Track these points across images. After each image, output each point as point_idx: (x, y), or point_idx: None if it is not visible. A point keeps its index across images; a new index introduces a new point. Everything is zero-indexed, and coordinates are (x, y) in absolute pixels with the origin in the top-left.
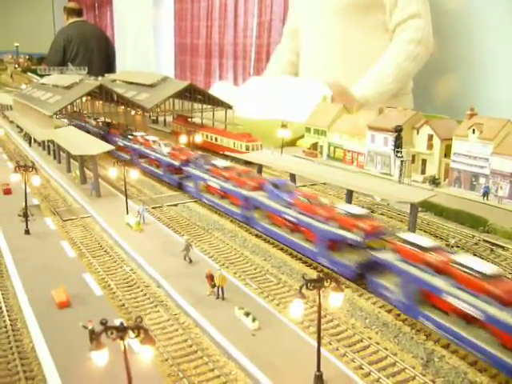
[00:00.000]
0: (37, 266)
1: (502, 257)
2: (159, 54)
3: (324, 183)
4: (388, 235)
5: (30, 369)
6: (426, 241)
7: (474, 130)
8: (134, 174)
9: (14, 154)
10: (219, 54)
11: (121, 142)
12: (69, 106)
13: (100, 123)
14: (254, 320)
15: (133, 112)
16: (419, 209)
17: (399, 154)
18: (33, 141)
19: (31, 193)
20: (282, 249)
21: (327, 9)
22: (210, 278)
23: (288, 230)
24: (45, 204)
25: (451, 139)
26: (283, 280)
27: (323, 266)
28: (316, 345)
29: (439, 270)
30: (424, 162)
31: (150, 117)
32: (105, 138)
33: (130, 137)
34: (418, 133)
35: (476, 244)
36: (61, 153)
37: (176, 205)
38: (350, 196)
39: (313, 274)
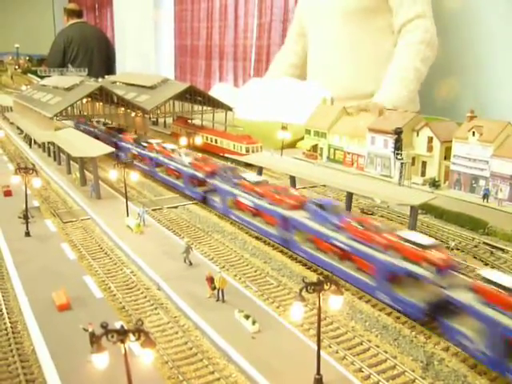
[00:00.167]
0: (37, 268)
1: (502, 259)
2: (159, 55)
3: (324, 185)
4: (460, 269)
5: (30, 371)
6: (510, 280)
7: (473, 132)
8: (134, 176)
9: (15, 155)
10: (219, 55)
11: (135, 150)
12: (69, 108)
13: (112, 128)
14: (253, 323)
15: (133, 114)
16: (419, 211)
17: (399, 156)
18: (33, 142)
19: (31, 195)
20: (281, 251)
21: (335, 12)
22: (210, 280)
23: (336, 258)
24: (45, 206)
25: (451, 141)
26: (283, 282)
27: (383, 302)
28: (316, 348)
29: None
30: (424, 164)
31: (150, 118)
32: (116, 144)
33: (144, 144)
34: (417, 135)
35: (476, 246)
36: (61, 155)
37: (176, 207)
38: (349, 198)
39: (313, 277)
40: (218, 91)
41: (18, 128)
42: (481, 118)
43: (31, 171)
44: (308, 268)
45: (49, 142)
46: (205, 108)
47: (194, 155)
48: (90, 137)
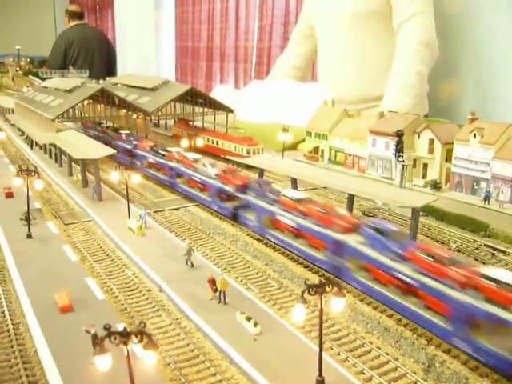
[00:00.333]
0: (39, 269)
1: (504, 261)
2: (160, 57)
3: (325, 187)
4: None
5: (32, 373)
6: None
7: (475, 134)
8: (135, 178)
9: (16, 157)
10: (220, 57)
11: (152, 159)
12: (70, 110)
13: (124, 135)
14: (255, 325)
15: (134, 116)
16: (420, 213)
17: (400, 159)
18: (34, 144)
19: (33, 196)
20: (283, 253)
21: (344, 16)
22: (212, 282)
23: (398, 292)
24: (47, 208)
25: (452, 143)
26: (285, 285)
27: (461, 350)
28: (317, 349)
29: None
30: (425, 166)
31: (151, 120)
32: (131, 152)
33: (163, 152)
34: (419, 137)
35: (477, 249)
36: (62, 156)
37: (177, 209)
38: (351, 200)
39: (314, 279)
40: (218, 93)
41: (20, 130)
42: (482, 120)
43: (33, 173)
44: (310, 270)
45: (50, 144)
46: (206, 110)
47: (221, 166)
48: (91, 139)
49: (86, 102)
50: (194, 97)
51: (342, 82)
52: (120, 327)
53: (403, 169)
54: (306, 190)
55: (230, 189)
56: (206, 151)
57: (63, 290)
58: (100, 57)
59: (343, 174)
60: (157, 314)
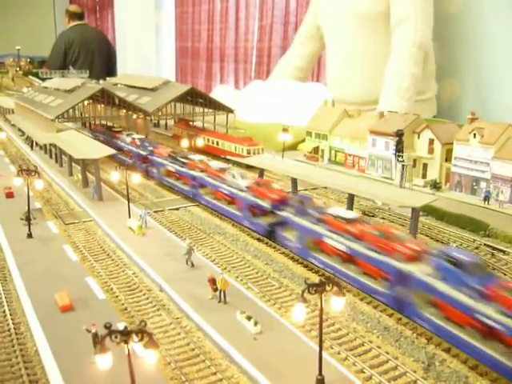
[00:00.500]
0: (39, 269)
1: (503, 261)
2: (160, 57)
3: (325, 187)
4: None
5: (33, 372)
6: None
7: (474, 134)
8: (135, 178)
9: (16, 157)
10: (220, 57)
11: (171, 167)
12: (70, 110)
13: (137, 140)
14: (255, 324)
15: (134, 116)
16: (420, 213)
17: (400, 159)
18: (34, 144)
19: (33, 196)
20: (283, 253)
21: (349, 16)
22: (212, 281)
23: (478, 335)
24: (47, 208)
25: (452, 143)
26: (285, 284)
27: None
28: (317, 349)
29: None
30: (425, 166)
31: (151, 120)
32: (146, 159)
33: (183, 160)
34: (418, 137)
35: (477, 248)
36: (63, 157)
37: (177, 208)
38: (351, 200)
39: (314, 279)
40: (219, 93)
41: (20, 130)
42: (482, 120)
43: (33, 173)
44: (309, 270)
45: (50, 144)
46: (206, 110)
47: (252, 177)
48: (91, 139)
49: (86, 102)
50: (194, 97)
51: (348, 82)
52: (120, 326)
53: (403, 169)
54: (306, 189)
55: (265, 204)
56: (206, 151)
57: (64, 290)
58: (100, 57)
59: (343, 173)
60: (157, 313)
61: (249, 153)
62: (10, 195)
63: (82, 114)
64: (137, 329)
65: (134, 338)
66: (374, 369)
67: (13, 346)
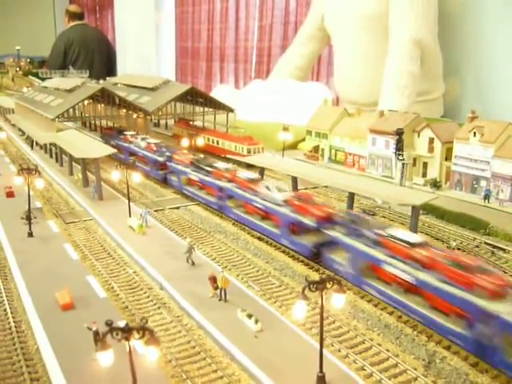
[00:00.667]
0: (40, 268)
1: (503, 259)
2: (160, 57)
3: (325, 186)
4: None
5: (34, 370)
6: None
7: (475, 133)
8: (135, 177)
9: (16, 157)
10: (220, 57)
11: (194, 175)
12: (71, 110)
13: (153, 145)
14: (256, 322)
15: (135, 115)
16: (420, 211)
17: (400, 157)
18: (35, 144)
19: (34, 196)
20: (284, 251)
21: (355, 17)
22: (213, 279)
23: None
24: (47, 207)
25: (452, 142)
26: (285, 282)
27: None
28: (318, 346)
29: None
30: (425, 165)
31: (151, 120)
32: (164, 165)
33: (207, 168)
34: (418, 136)
35: (477, 246)
36: (63, 156)
37: (178, 207)
38: (351, 199)
39: (315, 277)
40: (219, 93)
41: (20, 130)
42: (482, 118)
43: (34, 172)
44: (310, 268)
45: (51, 144)
46: (206, 109)
47: (289, 190)
48: (91, 138)
49: (86, 102)
50: (194, 96)
51: (356, 83)
52: (121, 324)
53: (403, 167)
54: (306, 188)
55: (309, 222)
56: (206, 151)
57: (64, 288)
58: (100, 57)
59: (343, 172)
60: (158, 311)
61: (249, 152)
62: (10, 194)
63: (82, 113)
64: (138, 326)
65: (136, 335)
66: (375, 366)
67: (14, 345)
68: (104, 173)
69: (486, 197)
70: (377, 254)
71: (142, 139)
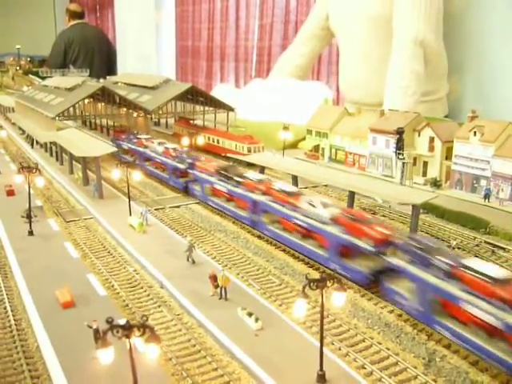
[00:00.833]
0: (40, 266)
1: (503, 258)
2: (160, 56)
3: (326, 185)
4: None
5: (34, 368)
6: None
7: (475, 132)
8: (136, 176)
9: (17, 155)
10: (220, 56)
11: (221, 186)
12: (71, 109)
13: (171, 150)
14: (256, 320)
15: (135, 114)
16: (421, 210)
17: (401, 156)
18: (35, 143)
19: (34, 194)
20: (284, 250)
21: (361, 18)
22: (214, 278)
23: None
24: (48, 205)
25: (452, 141)
26: (286, 281)
27: None
28: (318, 345)
29: None
30: (425, 164)
31: (151, 119)
32: (184, 173)
33: (237, 178)
34: (419, 135)
35: (477, 246)
36: (63, 155)
37: (178, 206)
38: (351, 198)
39: (315, 275)
40: (219, 92)
41: (20, 128)
42: (482, 118)
43: (34, 170)
44: (310, 266)
45: (51, 142)
46: (206, 108)
47: (335, 206)
48: (91, 136)
49: (86, 101)
50: (194, 95)
51: (361, 85)
52: (122, 322)
53: (403, 167)
54: (306, 187)
55: (365, 245)
56: (206, 149)
57: (65, 287)
58: (100, 56)
59: (344, 171)
60: (158, 309)
61: (249, 151)
62: (10, 193)
63: (82, 112)
64: (138, 323)
65: (136, 332)
66: (375, 364)
67: (14, 343)
68: (104, 171)
69: (486, 196)
70: (452, 288)
71: (159, 144)
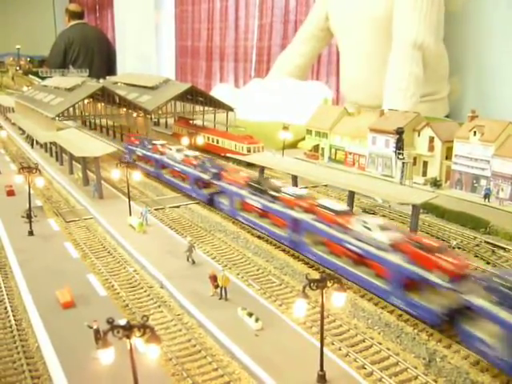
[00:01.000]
0: (41, 266)
1: (504, 258)
2: (160, 56)
3: (325, 185)
4: None
5: (35, 368)
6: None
7: (475, 132)
8: (136, 176)
9: (17, 155)
10: (220, 56)
11: (254, 201)
12: (71, 109)
13: (192, 158)
14: (257, 320)
15: (135, 114)
16: (421, 210)
17: (401, 156)
18: (35, 143)
19: (34, 194)
20: (284, 250)
21: (362, 19)
22: (214, 278)
23: None
24: (48, 206)
25: (452, 141)
26: (286, 281)
27: None
28: (318, 345)
29: None
30: (425, 164)
31: (151, 119)
32: (207, 185)
33: (272, 193)
34: (419, 135)
35: (477, 245)
36: (63, 155)
37: (178, 206)
38: (351, 198)
39: (315, 275)
40: (218, 92)
41: (20, 128)
42: (482, 117)
43: (34, 170)
44: (310, 267)
45: (51, 143)
46: (206, 108)
47: (395, 229)
48: (91, 137)
49: (86, 101)
50: (194, 95)
51: (362, 86)
52: (122, 323)
53: (403, 166)
54: (306, 187)
55: (438, 279)
56: (206, 150)
57: (65, 287)
58: (100, 56)
59: (343, 171)
60: (158, 310)
61: (249, 151)
62: (10, 193)
63: (82, 112)
64: (139, 324)
65: (137, 333)
66: (375, 365)
67: (14, 343)
68: (104, 171)
69: (486, 196)
70: None
71: (178, 151)
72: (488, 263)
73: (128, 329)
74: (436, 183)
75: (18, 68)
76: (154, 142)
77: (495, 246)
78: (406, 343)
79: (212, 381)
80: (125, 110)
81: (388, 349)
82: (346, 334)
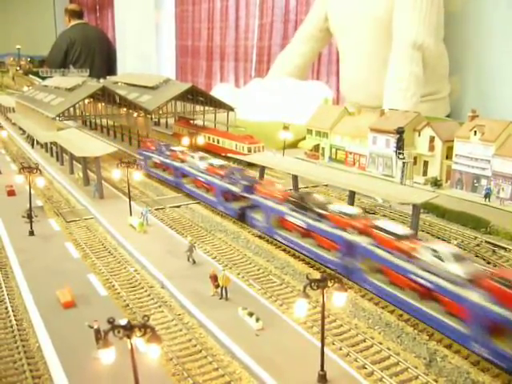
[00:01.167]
0: (41, 266)
1: (504, 258)
2: (160, 56)
3: (326, 185)
4: None
5: (36, 368)
6: None
7: (475, 131)
8: (136, 176)
9: (17, 155)
10: (220, 56)
11: (298, 219)
12: (71, 109)
13: (217, 168)
14: (257, 320)
15: (135, 114)
16: (421, 210)
17: (401, 156)
18: (35, 143)
19: (35, 194)
20: (284, 250)
21: (363, 19)
22: (214, 278)
23: None
24: (48, 206)
25: (453, 141)
26: (286, 281)
27: None
28: (319, 344)
29: None
30: (426, 163)
31: (151, 119)
32: (237, 198)
33: (318, 211)
34: (419, 135)
35: (478, 245)
36: (63, 155)
37: (179, 206)
38: (352, 197)
39: (316, 275)
40: (219, 92)
41: (21, 128)
42: (483, 117)
43: (35, 170)
44: (311, 266)
45: (51, 143)
46: (206, 108)
47: (471, 260)
48: (91, 137)
49: (86, 101)
50: (194, 95)
51: (362, 86)
52: (123, 323)
53: (404, 166)
54: (307, 187)
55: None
56: (206, 149)
57: (65, 287)
58: (100, 56)
59: (344, 171)
60: (159, 309)
61: (249, 151)
62: (11, 193)
63: (82, 112)
64: (140, 323)
65: (137, 332)
66: (376, 364)
67: (15, 342)
68: (104, 171)
69: (487, 195)
70: None
71: (201, 159)
72: (489, 263)
73: (129, 329)
74: (436, 183)
75: (18, 68)
76: (173, 148)
77: (496, 245)
78: (406, 343)
79: (213, 381)
80: (125, 109)
81: (389, 349)
82: (346, 333)
